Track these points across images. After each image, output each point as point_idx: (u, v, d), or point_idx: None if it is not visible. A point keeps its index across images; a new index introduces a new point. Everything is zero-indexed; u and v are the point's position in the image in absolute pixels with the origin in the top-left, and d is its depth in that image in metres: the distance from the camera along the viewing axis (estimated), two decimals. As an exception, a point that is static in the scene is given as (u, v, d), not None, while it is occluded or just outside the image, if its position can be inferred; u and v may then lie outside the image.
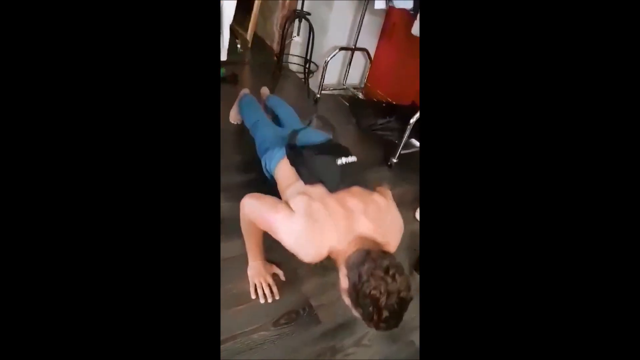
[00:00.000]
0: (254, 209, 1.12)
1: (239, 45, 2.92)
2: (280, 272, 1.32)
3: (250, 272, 1.29)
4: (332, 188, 1.10)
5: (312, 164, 1.18)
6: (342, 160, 1.16)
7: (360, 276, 0.91)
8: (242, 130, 1.91)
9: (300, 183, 1.18)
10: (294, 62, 2.87)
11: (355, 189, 1.14)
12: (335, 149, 1.26)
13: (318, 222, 1.00)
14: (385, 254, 0.96)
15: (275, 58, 2.77)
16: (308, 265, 1.16)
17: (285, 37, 2.59)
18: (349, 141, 2.23)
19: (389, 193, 1.34)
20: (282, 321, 1.21)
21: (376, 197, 1.13)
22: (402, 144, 2.05)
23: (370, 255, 0.94)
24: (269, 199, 1.11)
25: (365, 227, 1.04)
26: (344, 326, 1.24)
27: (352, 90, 2.76)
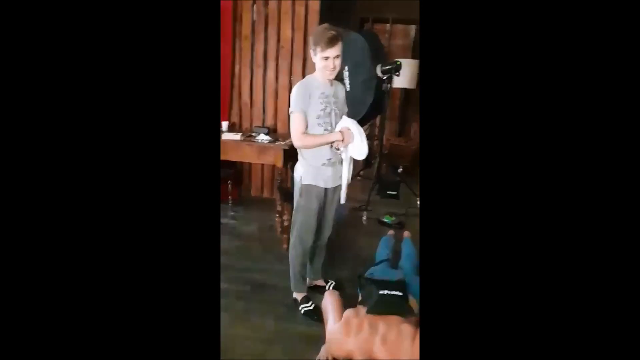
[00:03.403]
0: (324, 309, 1.51)
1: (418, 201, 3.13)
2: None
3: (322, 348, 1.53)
4: (368, 310, 1.38)
5: (364, 289, 1.55)
6: (384, 291, 1.44)
7: None
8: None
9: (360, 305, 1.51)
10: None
11: (392, 317, 1.35)
12: (389, 285, 1.50)
13: (348, 332, 1.32)
14: None
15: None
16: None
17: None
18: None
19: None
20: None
21: (407, 327, 1.31)
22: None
23: None
24: (338, 308, 1.46)
25: (377, 348, 1.27)
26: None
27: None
